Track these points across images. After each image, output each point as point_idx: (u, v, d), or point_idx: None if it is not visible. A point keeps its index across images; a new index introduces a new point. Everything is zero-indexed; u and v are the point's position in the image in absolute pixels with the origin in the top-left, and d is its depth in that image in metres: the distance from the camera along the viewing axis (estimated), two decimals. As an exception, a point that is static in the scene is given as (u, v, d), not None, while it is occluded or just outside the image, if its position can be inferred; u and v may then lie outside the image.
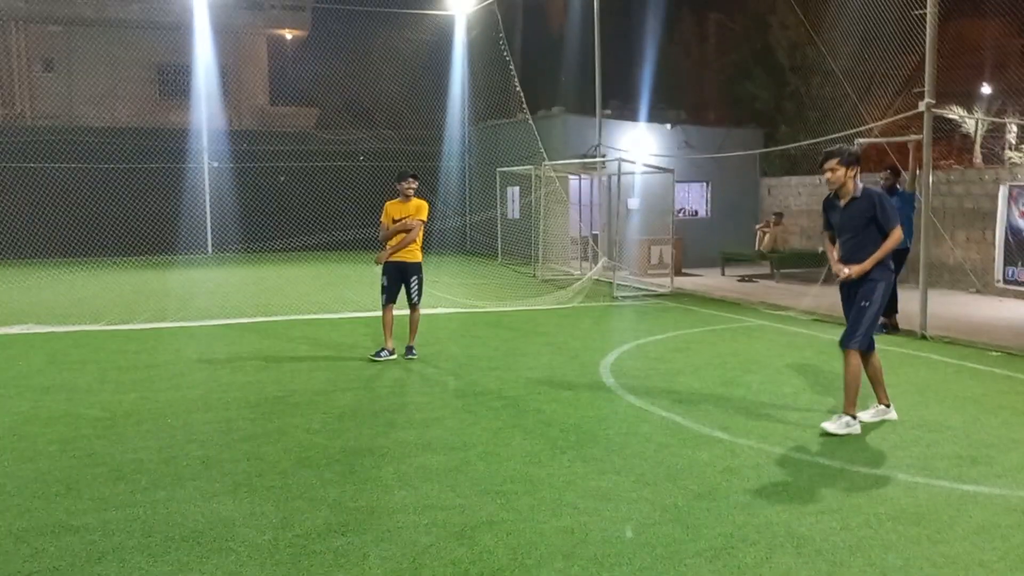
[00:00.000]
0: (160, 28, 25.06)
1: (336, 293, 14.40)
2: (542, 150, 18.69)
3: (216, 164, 22.80)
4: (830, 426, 5.87)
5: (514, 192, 22.30)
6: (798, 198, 20.39)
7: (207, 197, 22.80)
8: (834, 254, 6.20)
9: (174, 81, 25.03)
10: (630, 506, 4.53)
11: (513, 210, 22.45)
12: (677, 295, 14.63)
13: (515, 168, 20.18)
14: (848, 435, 5.82)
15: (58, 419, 6.39)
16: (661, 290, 14.93)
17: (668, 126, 21.30)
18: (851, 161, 5.94)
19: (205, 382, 7.75)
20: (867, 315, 5.89)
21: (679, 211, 20.05)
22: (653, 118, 21.94)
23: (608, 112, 20.19)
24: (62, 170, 21.32)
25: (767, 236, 18.12)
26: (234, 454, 5.51)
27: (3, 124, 23.95)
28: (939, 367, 8.54)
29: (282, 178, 23.66)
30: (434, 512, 4.44)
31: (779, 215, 19.03)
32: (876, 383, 6.26)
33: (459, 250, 23.16)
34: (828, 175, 5.99)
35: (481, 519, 4.35)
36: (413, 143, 24.44)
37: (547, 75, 25.25)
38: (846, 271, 5.96)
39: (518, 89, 20.10)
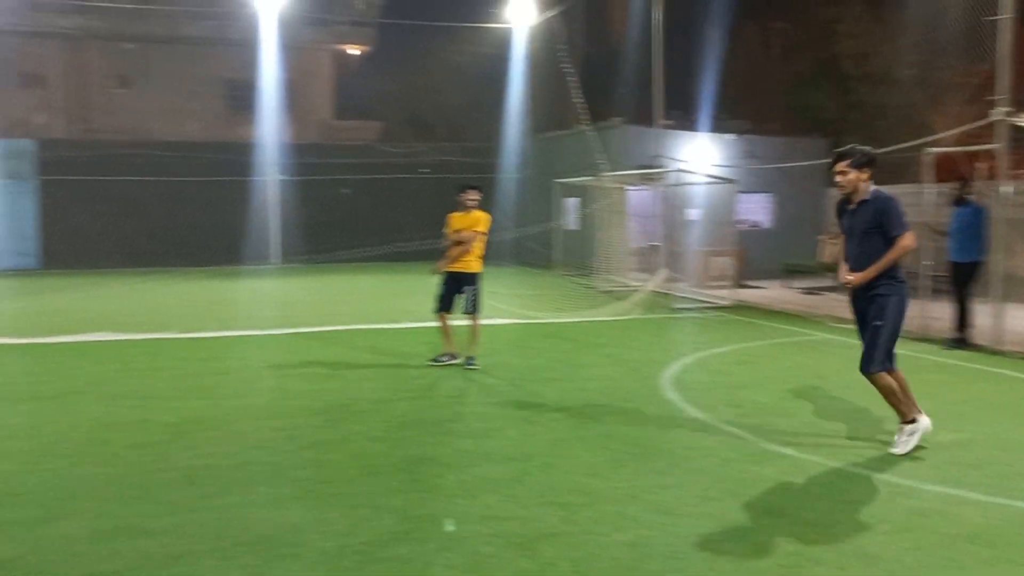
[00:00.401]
0: (229, 44, 25.79)
1: (398, 303, 14.58)
2: (601, 161, 18.66)
3: (283, 177, 23.32)
4: (898, 449, 5.64)
5: (572, 203, 22.29)
6: (864, 209, 19.94)
7: (274, 209, 23.32)
8: (844, 262, 5.92)
9: (242, 96, 25.69)
10: (694, 521, 4.48)
11: (571, 221, 22.44)
12: (739, 307, 14.43)
13: (574, 179, 20.18)
14: (920, 447, 5.65)
15: (132, 424, 6.59)
16: (722, 302, 14.74)
17: (730, 136, 21.06)
18: (863, 163, 5.60)
19: (272, 390, 7.93)
20: (882, 335, 5.56)
21: (740, 222, 19.79)
22: (715, 128, 21.72)
23: (669, 123, 20.07)
24: (136, 183, 22.06)
25: (832, 247, 17.75)
26: (301, 461, 5.62)
27: (81, 139, 24.90)
28: (1015, 384, 8.26)
29: (346, 190, 24.07)
30: (495, 522, 4.46)
31: (845, 226, 18.61)
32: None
33: (517, 261, 23.23)
34: (838, 178, 5.67)
35: (542, 530, 4.35)
36: (473, 155, 24.64)
37: (607, 86, 25.21)
38: (848, 278, 5.69)
39: (578, 100, 20.12)
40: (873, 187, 5.65)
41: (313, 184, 23.40)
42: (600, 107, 21.70)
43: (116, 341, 10.66)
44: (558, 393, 7.71)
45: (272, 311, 13.89)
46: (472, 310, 8.93)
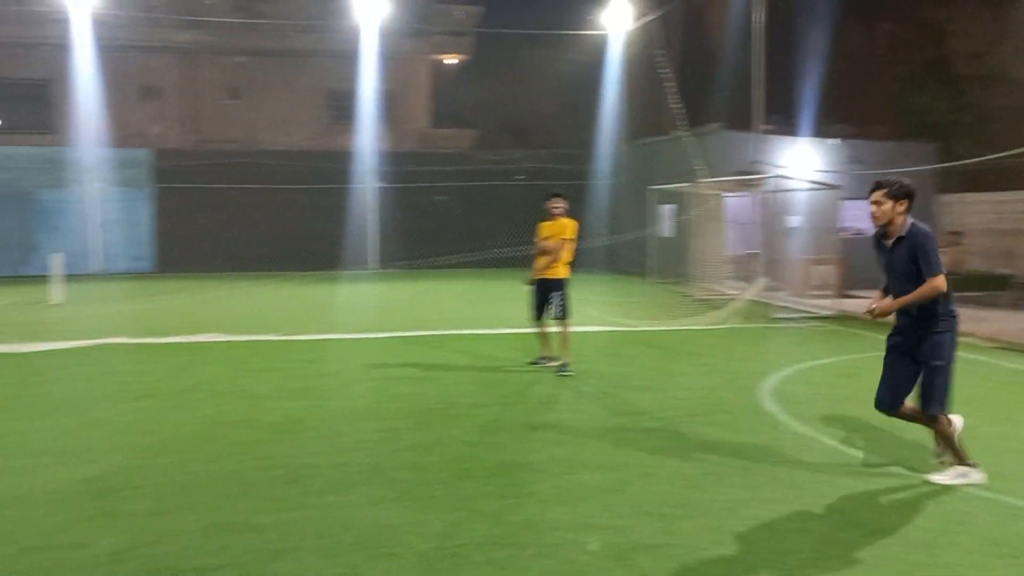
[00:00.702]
0: (332, 56, 26.55)
1: (492, 309, 14.71)
2: (698, 167, 18.39)
3: (382, 185, 23.87)
4: (940, 477, 5.27)
5: (668, 210, 22.03)
6: (978, 216, 19.03)
7: (372, 216, 23.89)
8: (878, 295, 5.56)
9: (344, 106, 26.42)
10: (796, 538, 4.36)
11: (666, 228, 22.17)
12: (841, 318, 13.96)
13: (669, 186, 19.95)
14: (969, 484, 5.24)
15: (240, 423, 6.86)
16: (824, 312, 14.29)
17: (833, 141, 20.43)
18: (900, 195, 5.23)
19: (371, 392, 8.11)
20: (941, 375, 5.17)
21: (844, 229, 19.17)
22: (817, 133, 21.12)
23: (769, 127, 19.63)
24: (244, 190, 22.97)
25: (944, 256, 16.99)
26: (399, 462, 5.73)
27: (194, 149, 26.09)
28: None
29: (442, 198, 24.44)
30: (592, 531, 4.44)
31: (957, 234, 17.83)
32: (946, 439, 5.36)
33: (610, 268, 23.10)
34: (873, 208, 5.29)
35: (640, 541, 4.31)
36: (568, 161, 24.63)
37: (705, 90, 24.84)
38: (873, 307, 5.33)
39: (675, 105, 19.89)
40: (910, 221, 5.32)
41: (410, 191, 23.86)
42: (698, 112, 21.38)
43: (225, 342, 11.11)
44: (653, 402, 7.62)
45: (371, 315, 14.20)
46: (560, 315, 9.02)
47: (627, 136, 25.36)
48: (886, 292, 5.47)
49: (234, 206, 23.16)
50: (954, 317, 5.30)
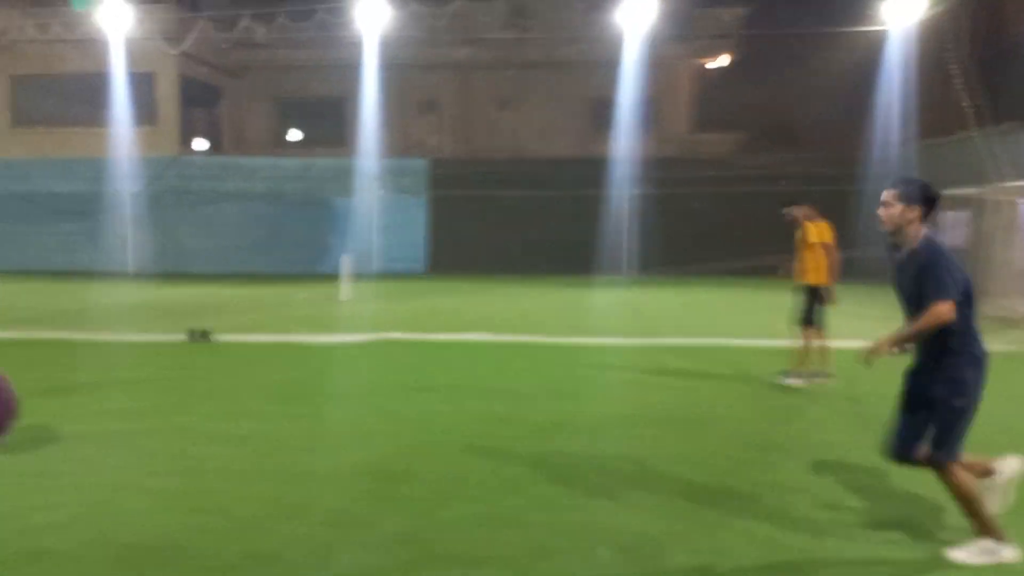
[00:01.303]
0: (596, 65, 26.98)
1: (756, 320, 14.13)
2: (995, 170, 16.50)
3: (643, 191, 23.85)
4: (959, 553, 4.26)
5: (954, 217, 19.96)
6: None
7: (629, 222, 23.96)
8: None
9: (605, 113, 26.73)
10: None
11: (953, 237, 20.09)
12: None
13: (958, 191, 18.06)
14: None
15: (506, 420, 7.12)
16: None
17: None
18: (914, 198, 4.27)
19: (630, 398, 8.10)
20: (961, 417, 4.25)
21: None
22: None
23: (1086, 125, 17.16)
24: (510, 196, 23.98)
25: None
26: (662, 472, 5.64)
27: (467, 157, 27.70)
28: None
29: (697, 204, 23.95)
30: (879, 567, 4.09)
31: None
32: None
33: (886, 280, 21.35)
34: (879, 210, 4.36)
35: (934, 584, 3.90)
36: (840, 166, 23.16)
37: (1003, 86, 22.24)
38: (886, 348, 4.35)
39: (967, 103, 18.00)
40: (925, 232, 4.33)
41: (670, 197, 23.61)
42: (994, 110, 19.18)
43: (491, 342, 11.60)
44: (943, 430, 6.89)
45: (628, 322, 14.20)
46: (800, 322, 8.75)
47: (908, 138, 23.35)
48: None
49: (500, 212, 24.24)
50: (978, 357, 4.33)
